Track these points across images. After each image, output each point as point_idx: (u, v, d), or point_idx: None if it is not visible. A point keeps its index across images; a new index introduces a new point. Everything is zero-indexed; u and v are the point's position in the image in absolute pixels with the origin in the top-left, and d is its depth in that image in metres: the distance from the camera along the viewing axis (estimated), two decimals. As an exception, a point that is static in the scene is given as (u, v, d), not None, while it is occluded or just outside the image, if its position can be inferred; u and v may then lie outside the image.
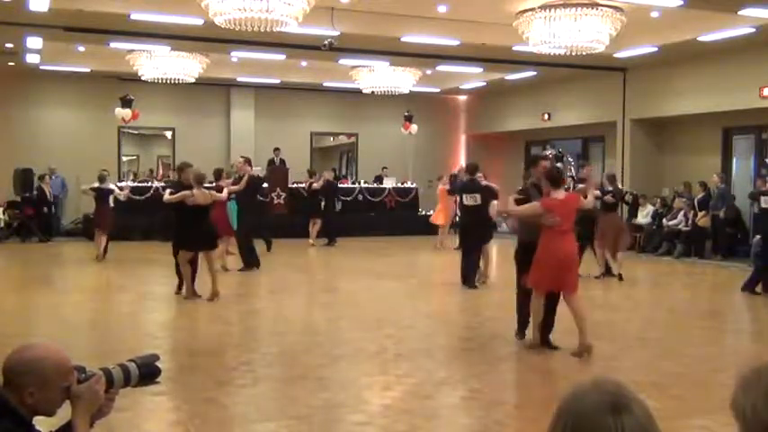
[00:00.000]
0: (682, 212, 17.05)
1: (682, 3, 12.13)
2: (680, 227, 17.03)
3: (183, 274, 11.05)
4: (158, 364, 2.60)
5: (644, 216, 18.21)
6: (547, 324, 8.00)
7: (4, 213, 19.85)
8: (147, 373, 2.56)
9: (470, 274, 12.08)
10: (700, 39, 15.06)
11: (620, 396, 1.50)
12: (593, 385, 1.54)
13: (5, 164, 20.24)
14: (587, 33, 12.69)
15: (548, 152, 21.43)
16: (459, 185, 13.47)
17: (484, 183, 12.42)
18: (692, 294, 13.09)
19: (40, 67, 19.61)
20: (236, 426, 5.80)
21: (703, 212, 16.79)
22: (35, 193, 19.85)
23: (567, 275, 7.69)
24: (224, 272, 13.33)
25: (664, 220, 17.46)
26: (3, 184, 20.05)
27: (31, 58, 18.46)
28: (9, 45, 16.96)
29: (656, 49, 16.15)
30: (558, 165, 21.21)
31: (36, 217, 19.69)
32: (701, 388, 6.75)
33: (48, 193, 19.75)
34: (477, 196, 12.03)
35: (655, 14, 13.95)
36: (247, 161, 14.74)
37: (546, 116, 22.08)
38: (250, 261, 14.16)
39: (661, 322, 9.79)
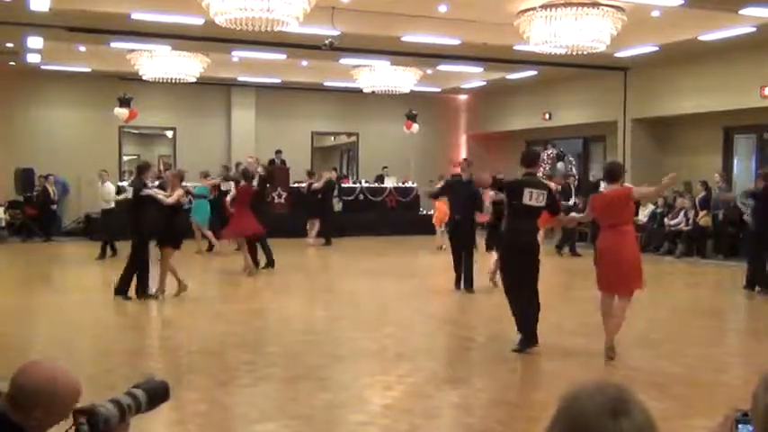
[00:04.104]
0: (683, 212, 17.04)
1: (682, 2, 12.12)
2: (681, 226, 17.02)
3: (175, 272, 11.22)
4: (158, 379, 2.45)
5: (645, 215, 18.20)
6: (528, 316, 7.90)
7: (5, 213, 19.87)
8: (155, 394, 2.41)
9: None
10: (700, 38, 15.07)
11: (620, 400, 1.50)
12: (595, 387, 1.54)
13: (7, 164, 20.27)
14: (588, 33, 12.70)
15: (549, 151, 21.43)
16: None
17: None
18: (693, 294, 13.08)
19: (41, 67, 19.62)
20: (238, 425, 5.80)
21: (704, 212, 16.79)
22: (36, 192, 19.87)
23: (619, 275, 7.43)
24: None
25: (665, 220, 17.45)
26: (4, 183, 20.07)
27: (32, 58, 18.47)
28: (10, 45, 16.96)
29: (656, 48, 16.15)
30: (559, 164, 21.22)
31: (38, 217, 19.72)
32: (702, 388, 6.75)
33: (52, 192, 19.78)
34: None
35: (655, 14, 13.94)
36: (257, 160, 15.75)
37: (547, 116, 22.08)
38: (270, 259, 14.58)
39: (663, 322, 9.79)
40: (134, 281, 11.12)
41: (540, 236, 9.62)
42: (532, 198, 7.81)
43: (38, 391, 2.19)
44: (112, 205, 16.49)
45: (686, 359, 7.78)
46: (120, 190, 16.65)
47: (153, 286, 11.22)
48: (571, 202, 17.54)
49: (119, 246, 16.08)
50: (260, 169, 15.28)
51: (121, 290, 11.04)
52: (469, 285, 11.83)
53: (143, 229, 11.18)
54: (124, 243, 15.63)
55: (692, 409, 6.08)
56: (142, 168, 11.64)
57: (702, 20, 14.10)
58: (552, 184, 10.74)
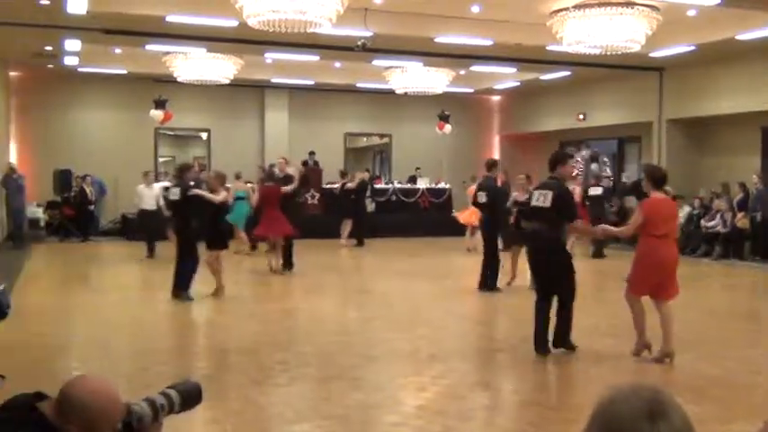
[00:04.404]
0: (719, 214, 16.79)
1: (719, 1, 11.95)
2: (718, 228, 16.78)
3: (220, 273, 11.38)
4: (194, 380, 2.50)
5: (681, 217, 17.95)
6: (544, 328, 7.85)
7: (44, 213, 20.24)
8: (188, 395, 2.44)
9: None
10: (738, 37, 14.84)
11: (657, 402, 1.49)
12: (631, 390, 1.52)
13: (45, 165, 20.60)
14: (622, 33, 12.56)
15: (583, 152, 21.19)
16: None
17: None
18: (731, 296, 12.90)
19: (78, 70, 19.90)
20: (273, 425, 5.84)
21: (742, 213, 16.54)
22: (74, 193, 20.16)
23: (664, 282, 7.41)
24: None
25: (702, 222, 17.21)
26: (43, 184, 20.41)
27: (70, 61, 18.72)
28: (48, 48, 17.22)
29: (693, 48, 15.93)
30: (594, 165, 20.97)
31: (76, 217, 20.03)
32: (741, 391, 6.65)
33: (89, 193, 20.08)
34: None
35: (691, 13, 13.77)
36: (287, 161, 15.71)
37: (581, 116, 21.91)
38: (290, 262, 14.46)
39: (700, 324, 9.66)
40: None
41: (570, 242, 9.58)
42: (532, 198, 8.04)
43: (83, 406, 2.21)
44: (155, 207, 16.63)
45: (724, 361, 7.67)
46: (166, 197, 16.69)
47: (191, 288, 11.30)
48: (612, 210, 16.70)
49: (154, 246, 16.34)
50: (292, 169, 15.32)
51: (181, 289, 11.08)
52: (493, 285, 11.98)
53: (190, 229, 11.30)
54: (160, 243, 16.01)
55: (730, 412, 6.00)
56: (184, 169, 11.80)
57: (739, 19, 13.90)
58: (575, 186, 10.61)
